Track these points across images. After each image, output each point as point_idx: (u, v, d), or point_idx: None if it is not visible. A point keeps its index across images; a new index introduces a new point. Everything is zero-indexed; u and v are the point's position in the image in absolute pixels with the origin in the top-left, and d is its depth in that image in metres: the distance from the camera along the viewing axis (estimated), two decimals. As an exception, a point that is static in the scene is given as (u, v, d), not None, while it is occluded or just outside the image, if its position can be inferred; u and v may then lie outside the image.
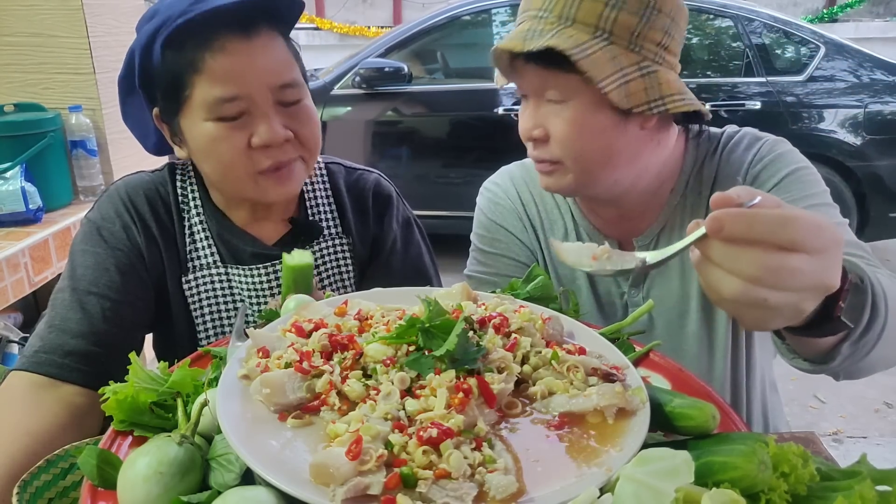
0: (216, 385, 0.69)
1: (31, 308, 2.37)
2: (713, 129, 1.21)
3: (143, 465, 0.59)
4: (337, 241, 1.21)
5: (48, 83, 2.24)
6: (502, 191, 1.30)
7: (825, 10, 10.26)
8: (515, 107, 4.31)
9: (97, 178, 2.26)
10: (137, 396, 0.70)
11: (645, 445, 0.61)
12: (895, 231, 4.26)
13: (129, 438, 0.68)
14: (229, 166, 1.04)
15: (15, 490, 0.69)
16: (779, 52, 4.33)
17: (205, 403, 0.66)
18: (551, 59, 1.01)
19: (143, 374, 0.73)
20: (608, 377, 0.71)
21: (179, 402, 0.70)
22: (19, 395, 0.95)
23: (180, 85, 1.01)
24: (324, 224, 1.21)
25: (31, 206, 1.98)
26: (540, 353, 0.75)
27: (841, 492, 0.54)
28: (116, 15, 2.32)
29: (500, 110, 4.32)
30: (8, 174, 1.96)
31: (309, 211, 1.21)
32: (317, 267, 1.19)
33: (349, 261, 1.22)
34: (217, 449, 0.63)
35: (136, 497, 0.58)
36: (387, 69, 4.40)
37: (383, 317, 0.80)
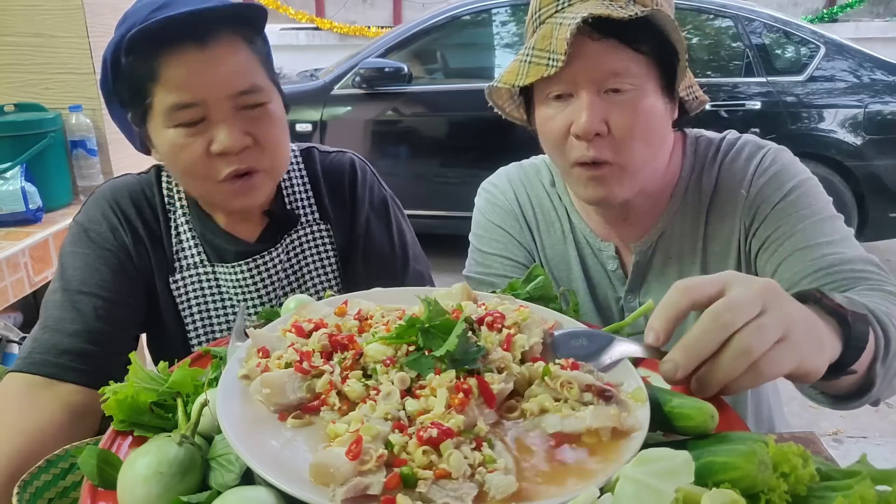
0: (216, 385, 0.69)
1: (31, 308, 2.37)
2: (710, 134, 1.20)
3: (143, 465, 0.59)
4: (315, 228, 1.21)
5: (48, 83, 2.24)
6: (500, 192, 1.29)
7: (825, 10, 10.25)
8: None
9: (97, 178, 2.25)
10: (137, 396, 0.70)
11: (645, 445, 0.61)
12: (895, 231, 4.26)
13: (129, 438, 0.68)
14: (191, 173, 1.04)
15: (15, 490, 0.69)
16: (779, 52, 4.34)
17: (205, 403, 0.66)
18: (630, 35, 0.98)
19: (143, 374, 0.73)
20: (603, 394, 0.69)
21: (179, 402, 0.70)
22: (15, 396, 0.95)
23: (142, 93, 1.02)
24: (301, 212, 1.21)
25: (31, 206, 1.98)
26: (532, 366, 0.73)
27: (841, 492, 0.54)
28: (116, 15, 2.29)
29: (500, 110, 4.31)
30: (8, 174, 1.96)
31: (286, 200, 1.21)
32: (297, 255, 1.20)
33: (328, 247, 1.22)
34: (217, 449, 0.63)
35: (136, 497, 0.58)
36: (387, 69, 4.40)
37: (383, 317, 0.80)
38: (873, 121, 4.09)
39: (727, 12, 4.28)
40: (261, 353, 0.74)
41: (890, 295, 0.93)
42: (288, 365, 0.70)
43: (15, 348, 2.14)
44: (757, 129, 4.08)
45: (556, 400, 0.68)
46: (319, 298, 0.92)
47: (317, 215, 1.22)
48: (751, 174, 1.11)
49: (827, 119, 4.14)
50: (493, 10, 4.63)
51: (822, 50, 4.19)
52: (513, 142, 4.31)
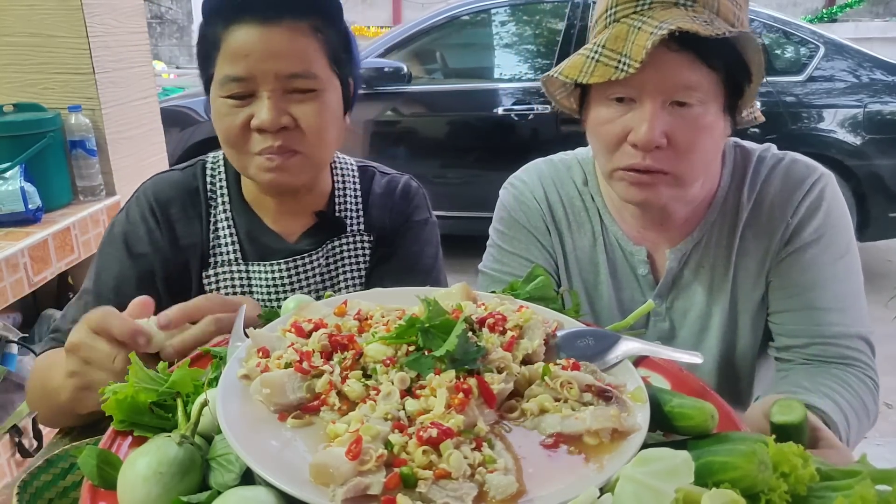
0: (216, 385, 0.69)
1: (30, 308, 2.37)
2: (748, 144, 1.19)
3: (143, 465, 0.59)
4: (358, 239, 1.23)
5: (48, 83, 2.24)
6: (528, 189, 1.25)
7: (825, 10, 10.26)
8: (515, 107, 4.31)
9: (96, 179, 2.25)
10: (137, 396, 0.70)
11: (645, 445, 0.61)
12: (895, 231, 4.26)
13: (129, 438, 0.68)
14: (229, 142, 1.08)
15: (15, 490, 0.69)
16: (778, 52, 4.33)
17: (205, 403, 0.66)
18: (709, 51, 0.96)
19: (143, 374, 0.73)
20: (603, 394, 0.69)
21: (179, 402, 0.70)
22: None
23: (209, 60, 1.08)
24: (348, 221, 1.23)
25: (30, 207, 1.98)
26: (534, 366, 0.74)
27: (841, 492, 0.54)
28: (116, 15, 2.31)
29: (500, 110, 4.31)
30: (7, 174, 1.96)
31: (337, 207, 1.23)
32: (336, 262, 1.22)
33: (367, 259, 1.24)
34: (217, 449, 0.63)
35: (136, 497, 0.58)
36: (386, 69, 4.40)
37: (383, 317, 0.80)
38: (873, 120, 4.09)
39: (727, 12, 4.28)
40: (261, 353, 0.74)
41: (868, 385, 1.07)
42: (288, 365, 0.70)
43: (14, 348, 2.14)
44: (756, 129, 4.08)
45: (557, 400, 0.68)
46: (318, 298, 0.92)
47: (363, 227, 1.24)
48: (797, 200, 1.11)
49: (827, 119, 4.14)
50: (493, 10, 4.63)
51: (822, 50, 4.19)
52: (513, 141, 4.31)
